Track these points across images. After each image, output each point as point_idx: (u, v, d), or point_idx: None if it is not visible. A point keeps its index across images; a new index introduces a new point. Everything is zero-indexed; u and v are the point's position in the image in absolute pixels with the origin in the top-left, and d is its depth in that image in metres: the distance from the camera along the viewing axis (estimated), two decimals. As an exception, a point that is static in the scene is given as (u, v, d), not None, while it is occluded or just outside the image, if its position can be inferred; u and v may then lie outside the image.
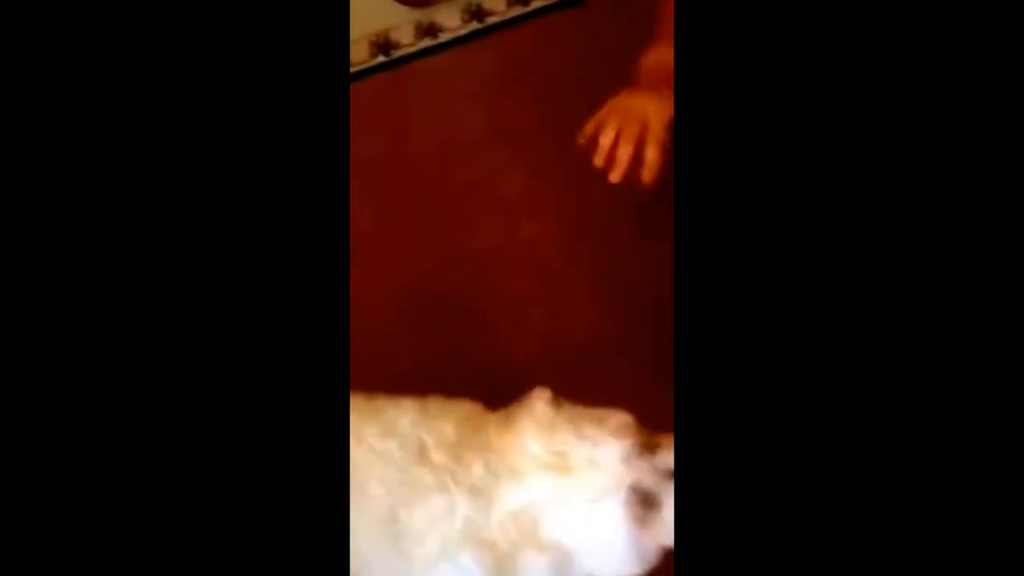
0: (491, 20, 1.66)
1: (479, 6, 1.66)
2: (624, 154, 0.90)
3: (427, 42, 1.64)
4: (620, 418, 0.80)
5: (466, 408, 0.89)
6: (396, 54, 1.64)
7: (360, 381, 0.79)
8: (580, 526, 0.78)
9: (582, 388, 0.84)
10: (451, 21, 1.65)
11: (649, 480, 0.78)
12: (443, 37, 1.65)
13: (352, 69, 1.62)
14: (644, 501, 0.78)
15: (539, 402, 0.81)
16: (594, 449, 0.77)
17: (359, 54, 1.63)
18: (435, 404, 0.89)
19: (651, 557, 0.80)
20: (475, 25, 1.65)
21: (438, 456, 0.82)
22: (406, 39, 1.65)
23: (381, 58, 1.64)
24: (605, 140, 0.91)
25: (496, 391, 0.87)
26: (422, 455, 0.83)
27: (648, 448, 0.79)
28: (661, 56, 1.00)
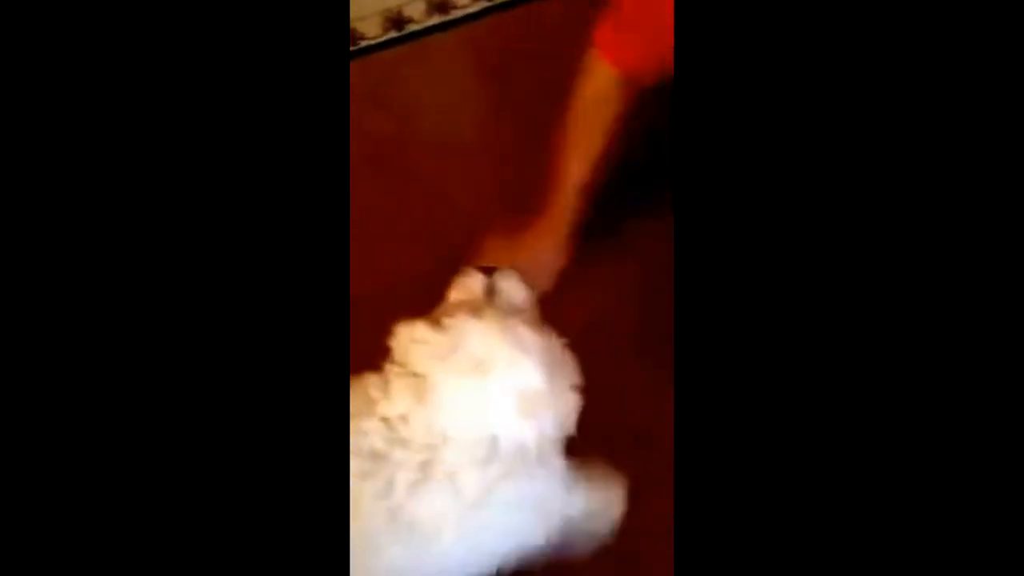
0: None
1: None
2: None
3: (438, 18, 1.67)
4: None
5: None
6: (408, 29, 1.67)
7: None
8: None
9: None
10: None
11: None
12: (454, 14, 1.68)
13: (365, 43, 1.66)
14: None
15: None
16: None
17: (372, 29, 1.67)
18: None
19: None
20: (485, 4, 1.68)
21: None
22: (418, 15, 1.68)
23: (393, 33, 1.67)
24: None
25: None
26: None
27: None
28: None
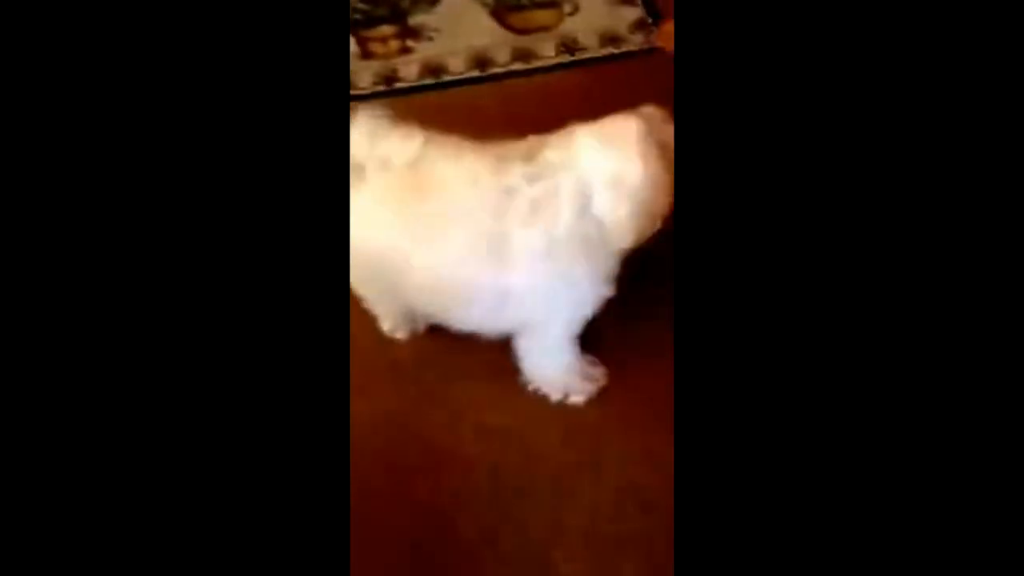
0: (581, 55, 1.77)
1: (574, 41, 1.78)
2: None
3: (519, 65, 1.77)
4: None
5: None
6: (490, 70, 1.77)
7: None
8: None
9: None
10: (546, 50, 1.78)
11: None
12: (534, 63, 1.77)
13: (448, 78, 1.76)
14: None
15: None
16: None
17: (456, 65, 1.77)
18: None
19: None
20: (565, 57, 1.77)
21: None
22: (502, 58, 1.78)
23: (476, 72, 1.76)
24: None
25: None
26: None
27: None
28: None
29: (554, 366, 1.25)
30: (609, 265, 1.12)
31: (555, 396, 1.28)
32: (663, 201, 1.05)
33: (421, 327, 1.35)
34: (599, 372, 1.29)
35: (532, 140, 1.11)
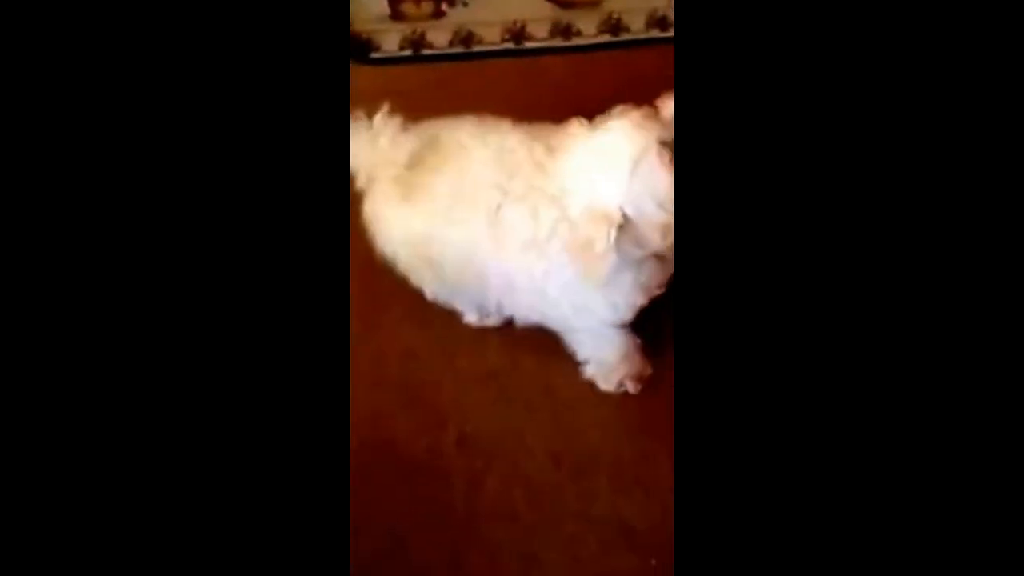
0: (625, 36, 1.63)
1: (618, 20, 1.63)
2: None
3: (557, 41, 1.63)
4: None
5: None
6: (525, 44, 1.64)
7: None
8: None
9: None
10: (588, 27, 1.64)
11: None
12: (573, 40, 1.63)
13: (479, 48, 1.63)
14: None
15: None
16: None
17: (490, 35, 1.64)
18: None
19: None
20: (607, 37, 1.63)
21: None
22: (540, 32, 1.64)
23: (510, 45, 1.64)
24: None
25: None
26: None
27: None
28: None
29: (604, 352, 1.17)
30: (619, 276, 1.02)
31: (604, 385, 1.19)
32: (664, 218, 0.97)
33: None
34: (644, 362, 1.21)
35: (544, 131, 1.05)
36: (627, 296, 1.07)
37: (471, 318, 1.26)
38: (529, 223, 1.01)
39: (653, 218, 0.96)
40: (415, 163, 1.09)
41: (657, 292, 1.08)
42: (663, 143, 0.94)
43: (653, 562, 1.05)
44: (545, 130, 1.07)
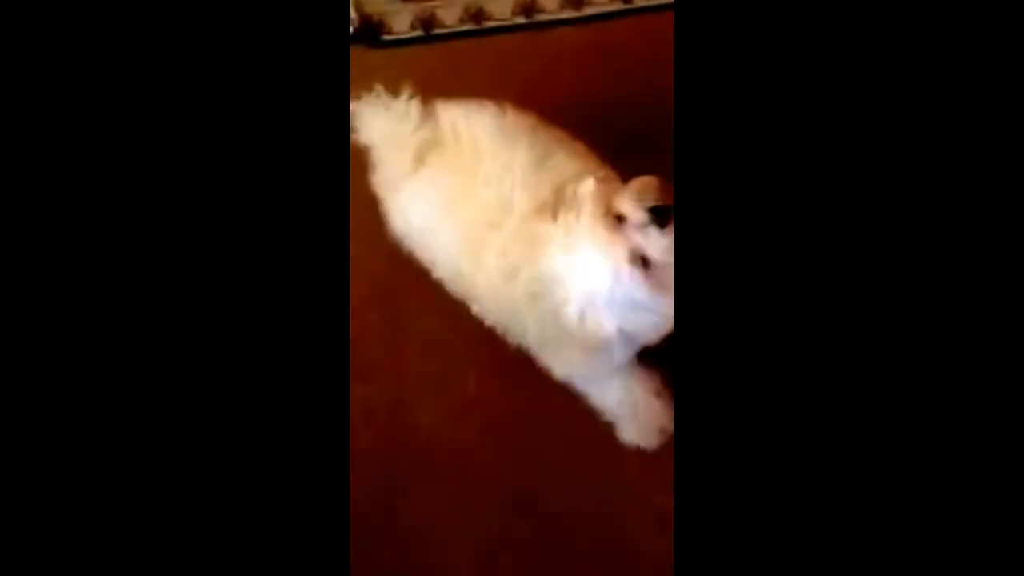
0: (640, 2, 1.59)
1: (633, -14, 1.59)
2: None
3: (568, 13, 1.59)
4: None
5: None
6: (536, 18, 1.60)
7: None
8: None
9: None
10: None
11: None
12: (586, 10, 1.59)
13: (490, 24, 1.61)
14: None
15: None
16: None
17: (500, 10, 1.61)
18: None
19: None
20: (619, 5, 1.59)
21: None
22: (551, 4, 1.61)
23: (521, 19, 1.60)
24: None
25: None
26: None
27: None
28: None
29: (609, 401, 1.11)
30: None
31: (625, 436, 1.12)
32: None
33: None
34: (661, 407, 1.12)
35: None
36: (607, 350, 1.02)
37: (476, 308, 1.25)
38: (503, 276, 1.00)
39: (641, 324, 0.94)
40: (432, 146, 1.09)
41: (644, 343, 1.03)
42: (634, 256, 0.90)
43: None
44: (557, 151, 1.06)
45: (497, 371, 1.19)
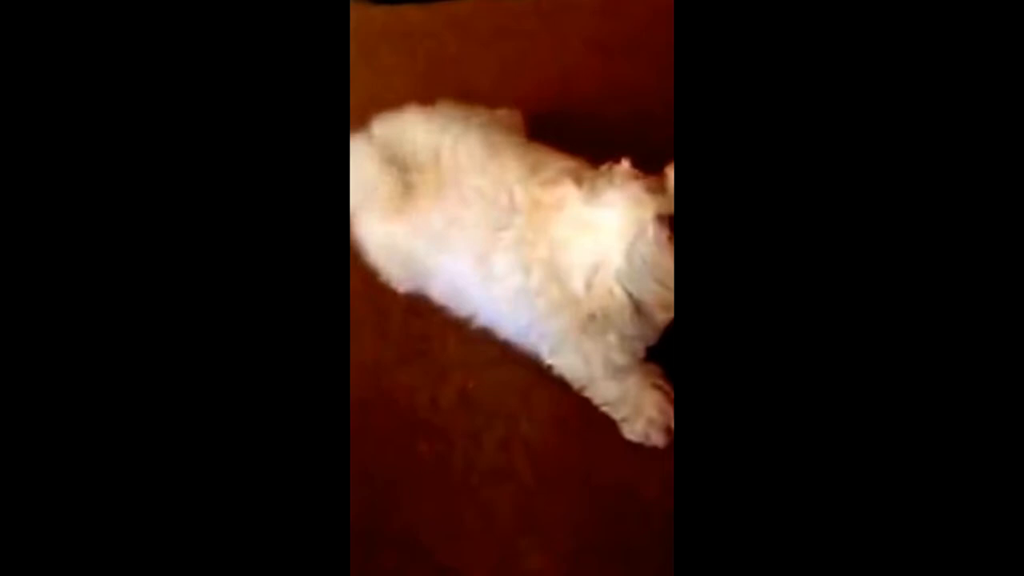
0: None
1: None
2: None
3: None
4: None
5: None
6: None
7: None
8: None
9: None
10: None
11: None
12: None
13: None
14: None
15: None
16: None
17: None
18: None
19: None
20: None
21: None
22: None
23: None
24: None
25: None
26: None
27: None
28: None
29: (610, 397, 1.08)
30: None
31: (628, 434, 1.09)
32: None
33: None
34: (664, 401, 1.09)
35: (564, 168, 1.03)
36: (607, 353, 1.02)
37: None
38: (518, 274, 1.01)
39: (653, 296, 0.93)
40: (413, 174, 1.10)
41: (648, 344, 1.03)
42: (662, 218, 0.90)
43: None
44: (548, 159, 1.06)
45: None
